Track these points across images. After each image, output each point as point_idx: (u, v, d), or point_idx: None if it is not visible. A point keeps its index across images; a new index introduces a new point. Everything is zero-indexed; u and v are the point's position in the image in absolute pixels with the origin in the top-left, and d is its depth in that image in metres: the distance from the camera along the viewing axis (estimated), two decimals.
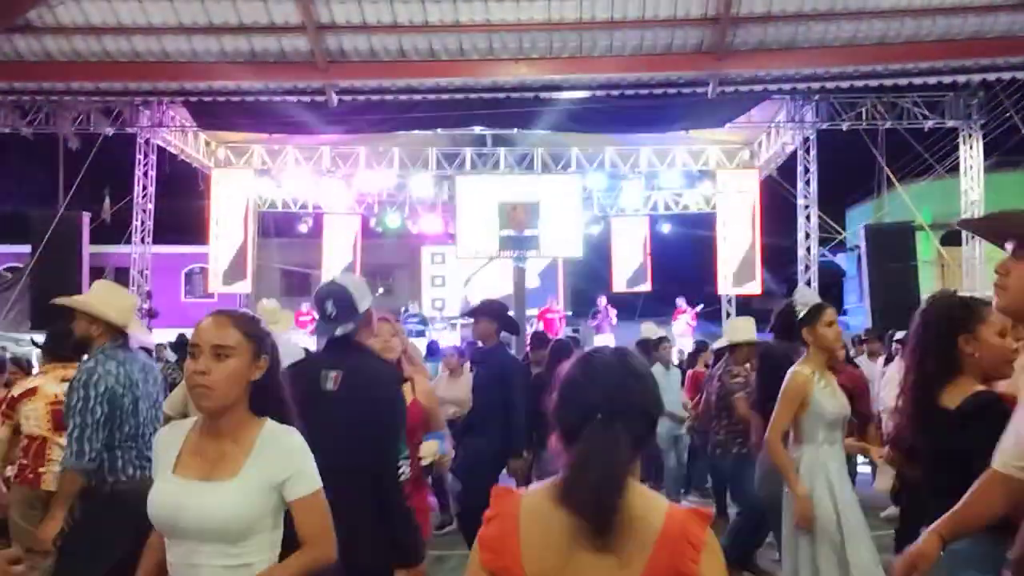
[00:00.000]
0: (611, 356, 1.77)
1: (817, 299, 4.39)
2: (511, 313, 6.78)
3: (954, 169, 15.77)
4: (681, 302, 18.38)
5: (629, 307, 20.18)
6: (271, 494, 2.33)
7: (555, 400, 1.74)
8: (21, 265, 17.48)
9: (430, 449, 4.35)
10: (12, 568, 2.17)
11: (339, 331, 3.52)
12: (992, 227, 2.38)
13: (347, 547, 3.32)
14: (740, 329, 6.87)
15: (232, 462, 2.33)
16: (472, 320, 6.43)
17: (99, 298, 4.08)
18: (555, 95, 14.39)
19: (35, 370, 6.26)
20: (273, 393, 2.48)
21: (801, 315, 4.27)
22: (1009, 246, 2.22)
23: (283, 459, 2.37)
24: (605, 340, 17.70)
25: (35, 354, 6.58)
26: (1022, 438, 2.17)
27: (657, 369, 8.99)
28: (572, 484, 1.62)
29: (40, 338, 5.42)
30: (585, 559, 1.61)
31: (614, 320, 18.51)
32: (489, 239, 17.50)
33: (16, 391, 4.88)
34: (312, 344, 5.62)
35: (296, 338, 16.58)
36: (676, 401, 8.97)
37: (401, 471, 3.68)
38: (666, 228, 20.40)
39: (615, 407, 1.65)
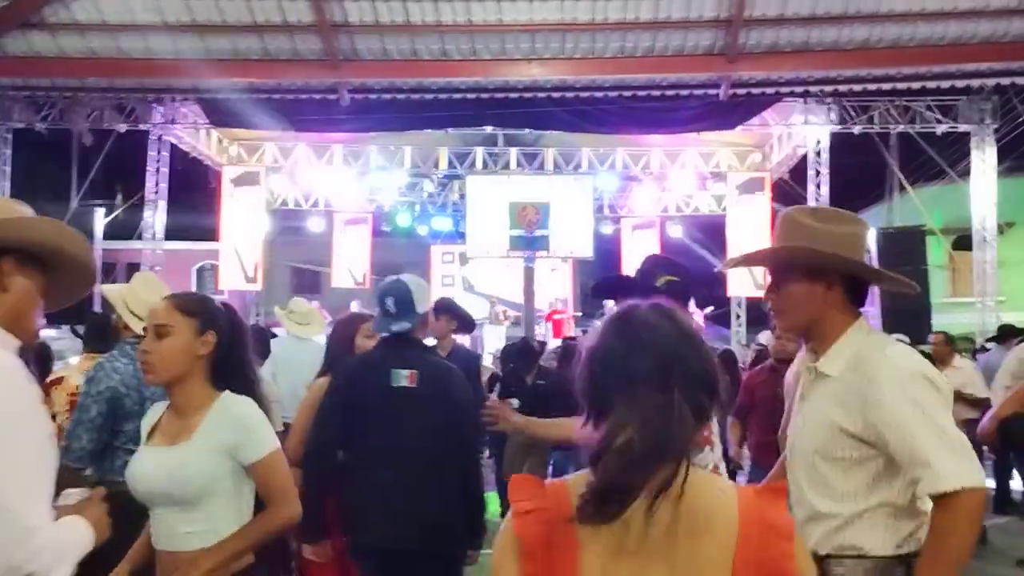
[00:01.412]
0: (653, 314, 1.48)
1: None
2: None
3: (966, 173, 15.71)
4: (690, 304, 18.33)
5: None
6: (223, 458, 2.49)
7: (584, 375, 1.47)
8: None
9: None
10: None
11: (394, 327, 3.67)
12: (751, 258, 2.60)
13: (437, 533, 3.53)
14: None
15: (189, 430, 2.52)
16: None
17: (131, 291, 4.04)
18: (566, 95, 14.40)
19: (70, 360, 6.29)
20: (232, 366, 2.64)
21: None
22: (769, 275, 2.42)
23: (233, 425, 2.52)
24: None
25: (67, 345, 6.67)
26: None
27: None
28: (624, 458, 1.32)
29: (81, 329, 5.43)
30: (657, 570, 1.35)
31: None
32: (499, 239, 17.52)
33: (49, 380, 4.91)
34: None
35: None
36: None
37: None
38: (676, 230, 20.39)
39: (668, 374, 1.39)
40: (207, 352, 2.59)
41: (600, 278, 3.59)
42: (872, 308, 17.88)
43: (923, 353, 7.25)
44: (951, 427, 2.10)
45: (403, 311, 3.69)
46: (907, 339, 8.62)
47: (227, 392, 2.59)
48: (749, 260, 2.62)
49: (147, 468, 2.51)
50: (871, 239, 14.74)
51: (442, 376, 3.68)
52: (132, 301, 3.99)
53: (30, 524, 1.75)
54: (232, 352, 2.66)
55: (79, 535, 1.89)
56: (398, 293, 3.71)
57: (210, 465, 2.47)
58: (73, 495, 2.22)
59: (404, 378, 3.58)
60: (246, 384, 2.66)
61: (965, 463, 2.04)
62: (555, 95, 14.38)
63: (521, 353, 8.61)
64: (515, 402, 8.30)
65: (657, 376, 1.38)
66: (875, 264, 12.89)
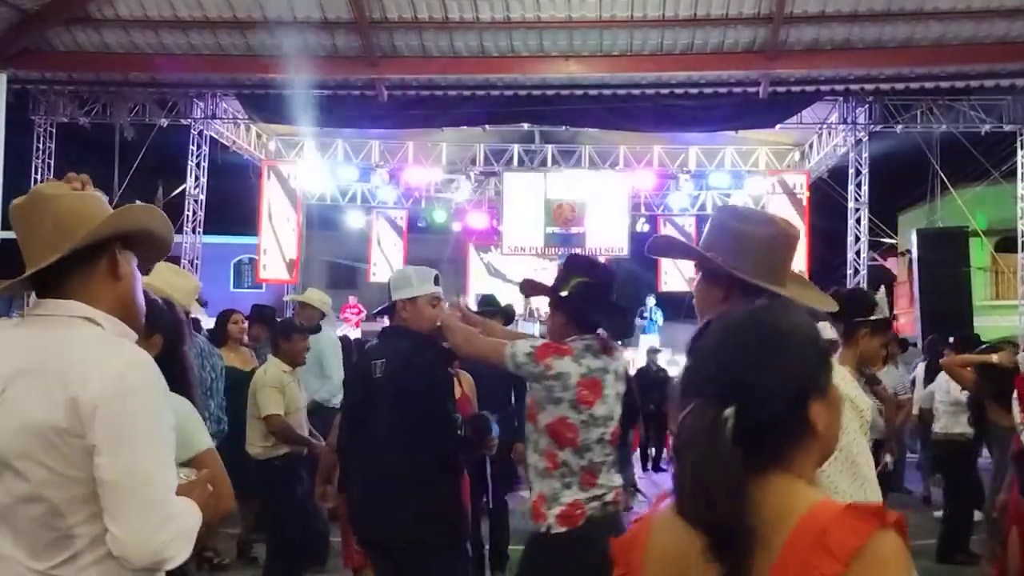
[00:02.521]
0: (742, 317, 1.36)
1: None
2: None
3: (1011, 174, 15.44)
4: None
5: (675, 307, 20.06)
6: None
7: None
8: None
9: None
10: None
11: (374, 311, 3.92)
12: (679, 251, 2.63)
13: (416, 524, 3.56)
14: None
15: None
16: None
17: (163, 279, 4.08)
18: (604, 93, 14.36)
19: None
20: (174, 368, 2.53)
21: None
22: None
23: (183, 424, 2.46)
24: (651, 340, 17.65)
25: None
26: None
27: None
28: (676, 488, 1.26)
29: None
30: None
31: (660, 321, 18.39)
32: (535, 236, 17.53)
33: None
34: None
35: (342, 331, 16.79)
36: None
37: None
38: None
39: (720, 385, 1.27)
40: (153, 355, 2.54)
41: (524, 279, 3.66)
42: (913, 309, 17.67)
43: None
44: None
45: (385, 303, 3.92)
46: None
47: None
48: (657, 250, 2.68)
49: None
50: (912, 240, 14.62)
51: (405, 362, 3.70)
52: (177, 290, 4.07)
53: (172, 511, 1.79)
54: (174, 354, 2.64)
55: (196, 519, 1.89)
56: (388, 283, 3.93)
57: None
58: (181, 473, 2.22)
59: (378, 368, 3.70)
60: (185, 387, 2.60)
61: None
62: (592, 92, 14.34)
63: None
64: None
65: (709, 385, 1.28)
66: (915, 266, 12.62)
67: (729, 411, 1.22)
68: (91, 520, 1.75)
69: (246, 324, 7.23)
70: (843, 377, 2.25)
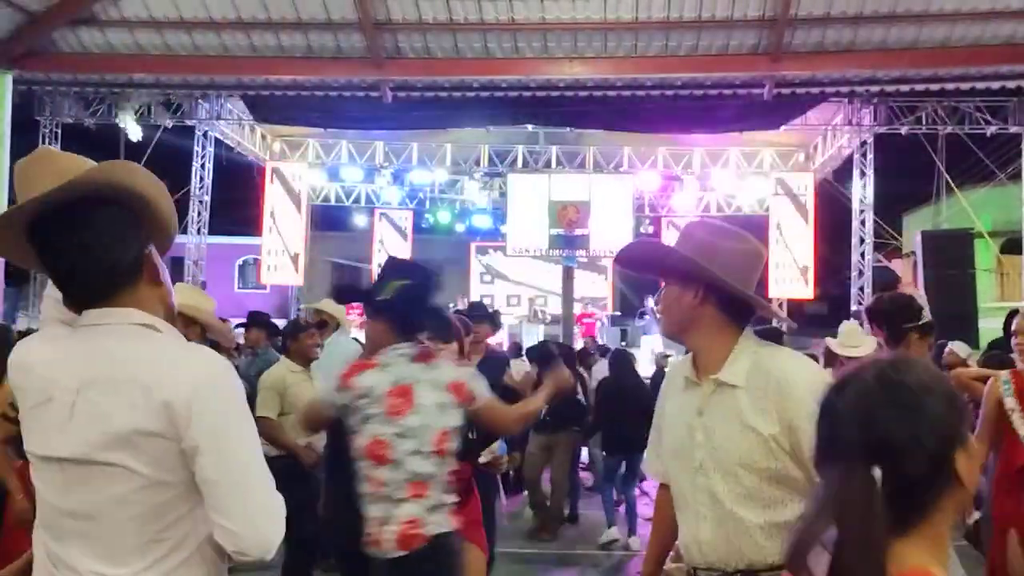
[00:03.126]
0: (876, 377, 1.34)
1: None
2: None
3: (1016, 176, 15.40)
4: None
5: None
6: None
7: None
8: None
9: (490, 448, 4.27)
10: None
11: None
12: (626, 258, 2.60)
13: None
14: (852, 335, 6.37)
15: None
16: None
17: (185, 299, 3.95)
18: (608, 94, 14.35)
19: None
20: None
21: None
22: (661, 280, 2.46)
23: None
24: (653, 341, 17.64)
25: None
26: None
27: None
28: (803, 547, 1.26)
29: None
30: None
31: None
32: (539, 237, 17.54)
33: None
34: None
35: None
36: None
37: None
38: None
39: (865, 447, 1.26)
40: None
41: (340, 283, 3.57)
42: None
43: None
44: None
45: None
46: (965, 346, 8.43)
47: None
48: (629, 258, 2.60)
49: None
50: (916, 242, 14.59)
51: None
52: (202, 312, 4.09)
53: (277, 500, 1.82)
54: None
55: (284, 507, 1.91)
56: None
57: None
58: None
59: None
60: None
61: None
62: (597, 94, 14.34)
63: (543, 358, 8.87)
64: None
65: (852, 451, 1.27)
66: (920, 269, 12.55)
67: (876, 473, 1.22)
68: (179, 523, 1.77)
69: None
70: None
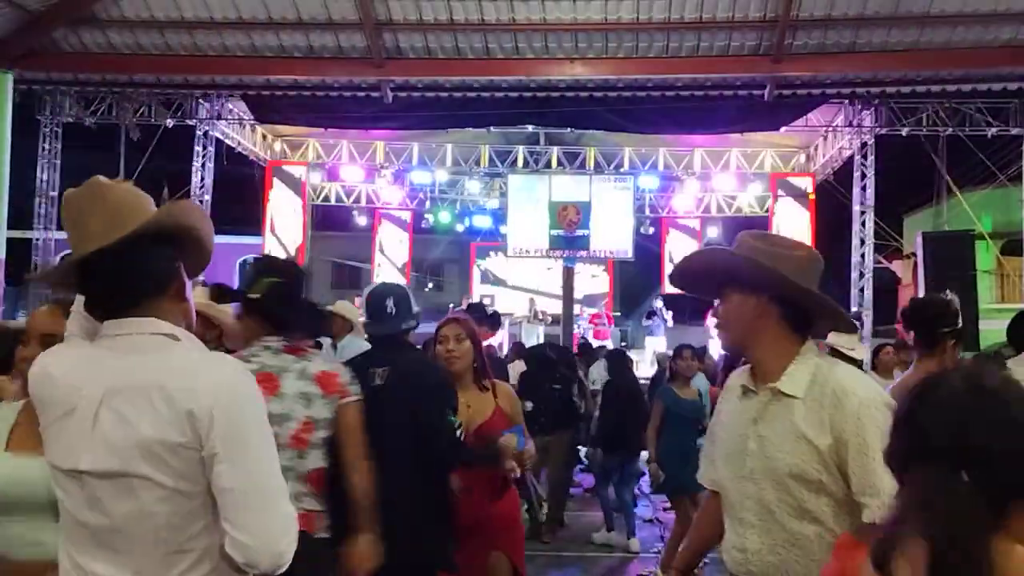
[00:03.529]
0: (960, 382, 1.36)
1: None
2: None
3: (1017, 177, 15.40)
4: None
5: (678, 310, 20.05)
6: None
7: (888, 437, 1.42)
8: None
9: (508, 444, 4.07)
10: None
11: (404, 326, 3.65)
12: (689, 267, 2.54)
13: (410, 541, 3.36)
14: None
15: None
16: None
17: (205, 303, 3.93)
18: (609, 95, 14.34)
19: None
20: None
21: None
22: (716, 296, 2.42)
23: None
24: (657, 343, 17.61)
25: None
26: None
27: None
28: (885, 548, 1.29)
29: None
30: None
31: (670, 323, 18.27)
32: (539, 238, 17.54)
33: None
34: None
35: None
36: None
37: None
38: (718, 231, 20.24)
39: (951, 453, 1.28)
40: None
41: (213, 284, 3.54)
42: None
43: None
44: None
45: (404, 311, 3.69)
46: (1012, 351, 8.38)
47: None
48: (687, 269, 2.55)
49: (14, 476, 2.36)
50: (917, 243, 14.59)
51: (414, 370, 3.60)
52: (223, 312, 4.08)
53: (290, 512, 1.82)
54: None
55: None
56: (398, 294, 3.70)
57: None
58: None
59: (378, 376, 3.52)
60: None
61: None
62: (597, 94, 14.32)
63: (540, 362, 9.00)
64: (528, 404, 8.48)
65: (937, 457, 1.29)
66: (920, 270, 12.56)
67: (964, 477, 1.25)
68: (203, 533, 1.77)
69: None
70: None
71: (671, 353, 10.02)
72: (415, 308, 3.74)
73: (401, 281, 19.78)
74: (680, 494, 7.13)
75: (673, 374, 7.71)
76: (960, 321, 3.87)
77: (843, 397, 2.17)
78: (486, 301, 21.12)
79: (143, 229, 1.81)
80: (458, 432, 3.64)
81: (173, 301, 1.90)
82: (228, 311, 4.17)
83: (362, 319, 3.74)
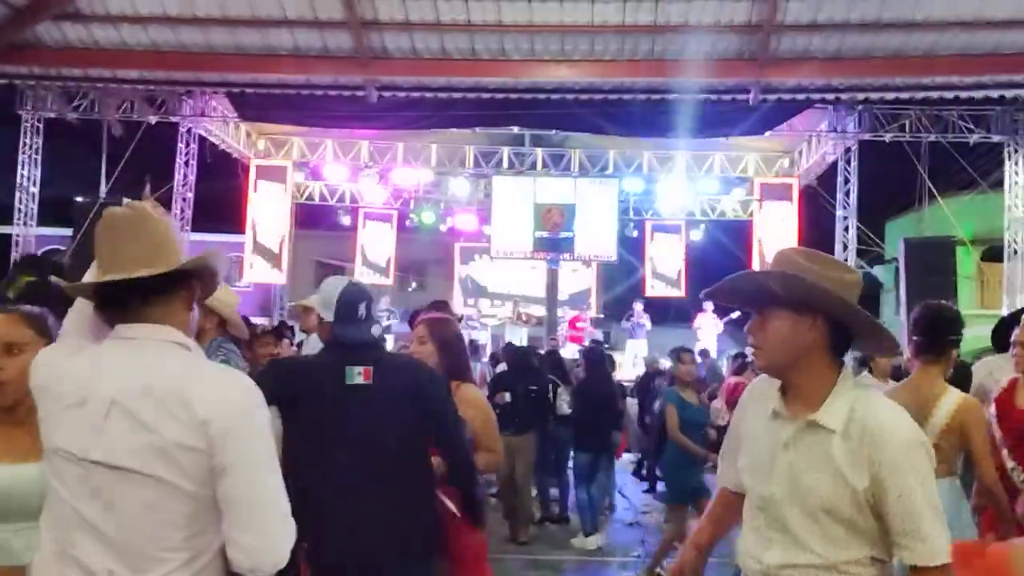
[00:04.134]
0: None
1: None
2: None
3: (998, 184, 15.52)
4: (708, 307, 18.16)
5: (661, 312, 20.10)
6: None
7: None
8: (63, 248, 17.76)
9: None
10: None
11: (375, 331, 3.53)
12: (737, 286, 2.42)
13: (390, 544, 3.25)
14: None
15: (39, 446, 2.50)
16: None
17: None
18: (594, 97, 14.35)
19: None
20: None
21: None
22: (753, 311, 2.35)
23: None
24: (638, 345, 17.64)
25: None
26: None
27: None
28: None
29: None
30: None
31: (648, 326, 18.30)
32: (523, 240, 17.53)
33: None
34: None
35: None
36: None
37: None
38: (701, 234, 20.30)
39: None
40: None
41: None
42: (899, 317, 17.75)
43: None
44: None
45: (373, 316, 3.58)
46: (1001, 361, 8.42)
47: None
48: (734, 289, 2.41)
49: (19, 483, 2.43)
50: (899, 248, 14.68)
51: (401, 367, 3.51)
52: (227, 305, 4.17)
53: (290, 517, 1.94)
54: None
55: None
56: (370, 298, 3.55)
57: None
58: None
59: (358, 375, 3.35)
60: None
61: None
62: (583, 97, 14.32)
63: (518, 361, 9.12)
64: (507, 395, 8.52)
65: None
66: (902, 274, 12.62)
67: None
68: (199, 535, 1.87)
69: None
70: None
71: (657, 355, 10.06)
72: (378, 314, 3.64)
73: (386, 281, 19.78)
74: (682, 501, 7.13)
75: (673, 378, 7.66)
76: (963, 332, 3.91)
77: (882, 437, 2.14)
78: (470, 301, 21.09)
79: (181, 269, 1.95)
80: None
81: (182, 311, 2.02)
82: (229, 302, 4.23)
83: (323, 315, 3.57)
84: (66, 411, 1.88)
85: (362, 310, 3.49)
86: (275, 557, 1.87)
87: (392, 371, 3.42)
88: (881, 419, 2.17)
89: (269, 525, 1.87)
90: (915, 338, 3.96)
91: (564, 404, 9.22)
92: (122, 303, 1.95)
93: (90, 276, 2.03)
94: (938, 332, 3.91)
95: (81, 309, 2.11)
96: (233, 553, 1.84)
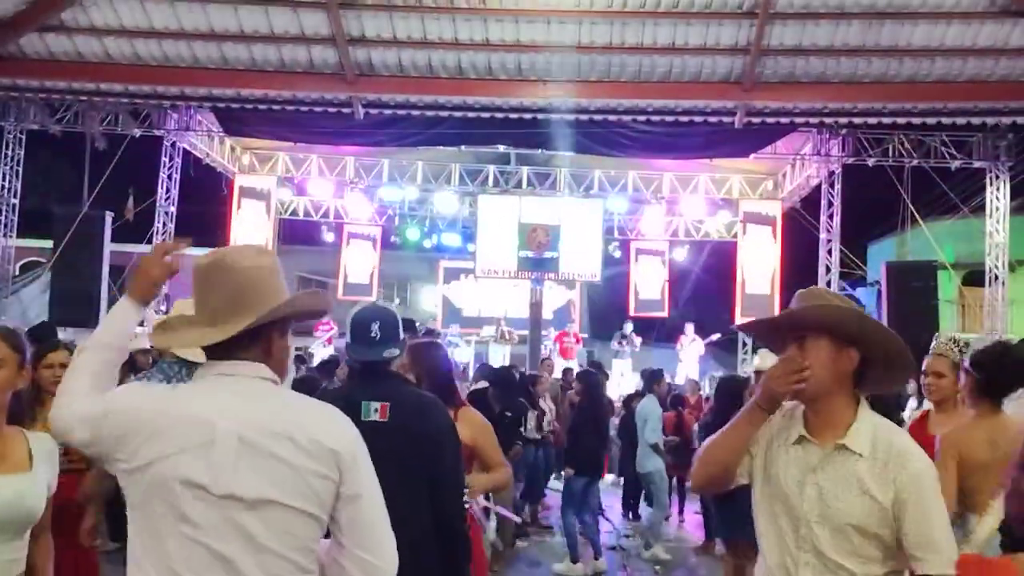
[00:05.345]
0: None
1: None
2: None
3: (979, 209, 15.64)
4: (689, 328, 18.23)
5: (644, 333, 20.09)
6: (46, 490, 2.60)
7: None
8: (44, 260, 17.60)
9: (474, 482, 4.02)
10: None
11: (385, 354, 3.38)
12: (790, 317, 2.58)
13: None
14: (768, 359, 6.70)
15: (15, 459, 2.56)
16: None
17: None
18: (580, 117, 14.38)
19: None
20: (30, 401, 2.82)
21: None
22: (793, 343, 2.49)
23: (51, 460, 2.63)
24: (624, 366, 17.63)
25: None
26: None
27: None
28: None
29: None
30: None
31: (638, 347, 18.33)
32: (508, 259, 17.50)
33: None
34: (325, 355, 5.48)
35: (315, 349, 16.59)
36: None
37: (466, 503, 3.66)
38: (686, 255, 20.34)
39: None
40: (24, 387, 2.66)
41: None
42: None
43: None
44: (947, 517, 2.42)
45: (389, 337, 3.41)
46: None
47: (28, 432, 2.66)
48: (788, 318, 2.57)
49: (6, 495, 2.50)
50: (881, 272, 14.77)
51: (418, 407, 3.38)
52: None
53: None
54: (31, 386, 2.76)
55: None
56: (384, 318, 3.43)
57: (43, 499, 2.57)
58: None
59: (375, 411, 3.27)
60: (21, 418, 2.77)
61: (956, 550, 2.36)
62: (569, 117, 14.36)
63: (502, 383, 8.92)
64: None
65: None
66: (883, 298, 12.71)
67: None
68: (313, 555, 1.99)
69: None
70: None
71: (654, 370, 10.06)
72: (402, 335, 3.48)
73: (369, 298, 19.65)
74: (738, 536, 6.21)
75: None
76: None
77: (907, 460, 2.36)
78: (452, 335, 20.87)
79: (263, 319, 2.02)
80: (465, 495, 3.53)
81: (266, 352, 2.09)
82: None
83: (343, 340, 3.52)
84: (189, 452, 1.89)
85: (375, 330, 3.38)
86: (392, 571, 2.03)
87: (411, 411, 3.32)
88: (904, 443, 2.41)
89: (386, 543, 2.03)
90: (971, 376, 3.80)
91: (532, 428, 9.19)
92: (223, 347, 2.03)
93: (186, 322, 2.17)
94: (1009, 376, 3.73)
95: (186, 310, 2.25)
96: (359, 570, 1.98)
